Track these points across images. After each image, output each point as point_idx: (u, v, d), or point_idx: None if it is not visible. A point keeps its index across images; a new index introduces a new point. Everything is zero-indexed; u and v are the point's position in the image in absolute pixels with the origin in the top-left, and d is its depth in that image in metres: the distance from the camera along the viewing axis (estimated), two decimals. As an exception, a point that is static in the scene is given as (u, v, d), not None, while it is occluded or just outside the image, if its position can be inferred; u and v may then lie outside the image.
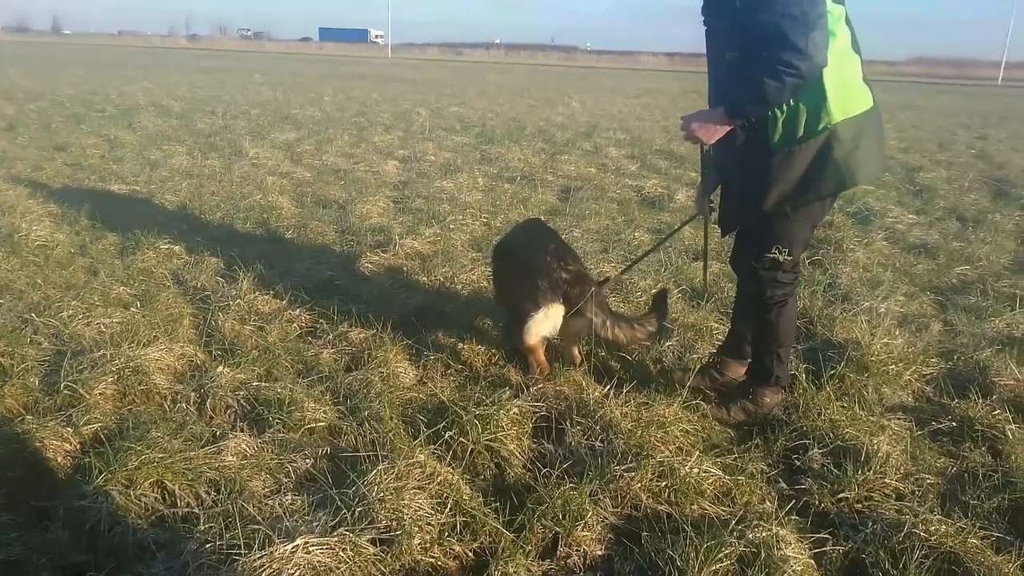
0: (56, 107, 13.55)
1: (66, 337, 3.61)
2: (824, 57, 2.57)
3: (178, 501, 2.50)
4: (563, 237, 3.84)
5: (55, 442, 2.75)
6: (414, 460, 2.62)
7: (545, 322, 3.31)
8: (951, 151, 12.62)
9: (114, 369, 3.24)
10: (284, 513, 2.39)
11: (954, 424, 3.19)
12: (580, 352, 3.61)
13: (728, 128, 2.85)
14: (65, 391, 3.08)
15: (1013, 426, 3.12)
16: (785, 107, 2.75)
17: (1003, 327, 4.30)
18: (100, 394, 3.12)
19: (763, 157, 2.86)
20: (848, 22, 2.78)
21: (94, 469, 2.53)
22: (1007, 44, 63.97)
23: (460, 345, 3.82)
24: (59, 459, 2.71)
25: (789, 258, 3.03)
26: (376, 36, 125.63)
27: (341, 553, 2.18)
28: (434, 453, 2.77)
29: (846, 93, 2.77)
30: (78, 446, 2.78)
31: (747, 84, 2.68)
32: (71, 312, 3.84)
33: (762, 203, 2.92)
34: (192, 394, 3.18)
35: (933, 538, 2.40)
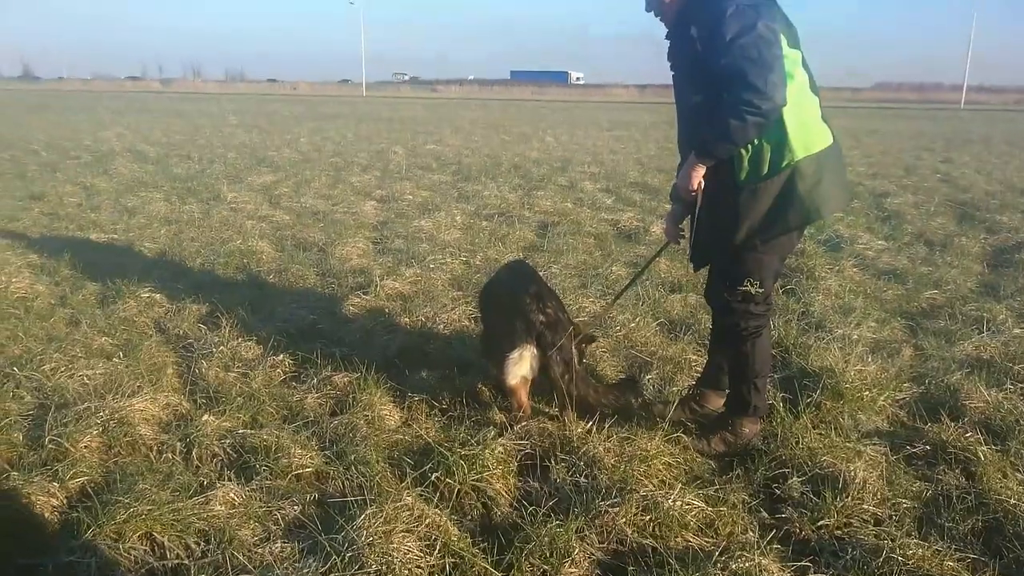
0: (30, 155, 13.50)
1: (49, 390, 3.60)
2: (783, 96, 2.70)
3: (167, 553, 2.51)
4: (542, 274, 3.88)
5: (41, 498, 2.75)
6: (402, 503, 2.65)
7: (521, 363, 3.35)
8: (917, 175, 12.94)
9: (99, 421, 3.24)
10: (274, 561, 2.42)
11: (928, 448, 3.28)
12: (567, 395, 3.41)
13: (703, 169, 2.99)
14: (50, 445, 3.08)
15: (985, 448, 3.21)
16: (750, 146, 2.88)
17: (972, 350, 4.41)
18: (85, 447, 3.11)
19: (731, 193, 2.98)
20: (805, 65, 2.92)
21: (82, 524, 2.54)
22: (967, 68, 65.88)
23: (444, 385, 3.85)
24: (46, 515, 2.70)
25: (761, 290, 3.12)
26: (577, 78, 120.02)
27: (332, 599, 2.21)
28: (421, 495, 2.80)
29: (806, 131, 2.91)
30: (65, 501, 2.78)
31: (712, 125, 2.81)
32: (53, 365, 3.83)
33: (732, 237, 3.03)
34: (178, 444, 3.19)
35: (911, 562, 2.47)
